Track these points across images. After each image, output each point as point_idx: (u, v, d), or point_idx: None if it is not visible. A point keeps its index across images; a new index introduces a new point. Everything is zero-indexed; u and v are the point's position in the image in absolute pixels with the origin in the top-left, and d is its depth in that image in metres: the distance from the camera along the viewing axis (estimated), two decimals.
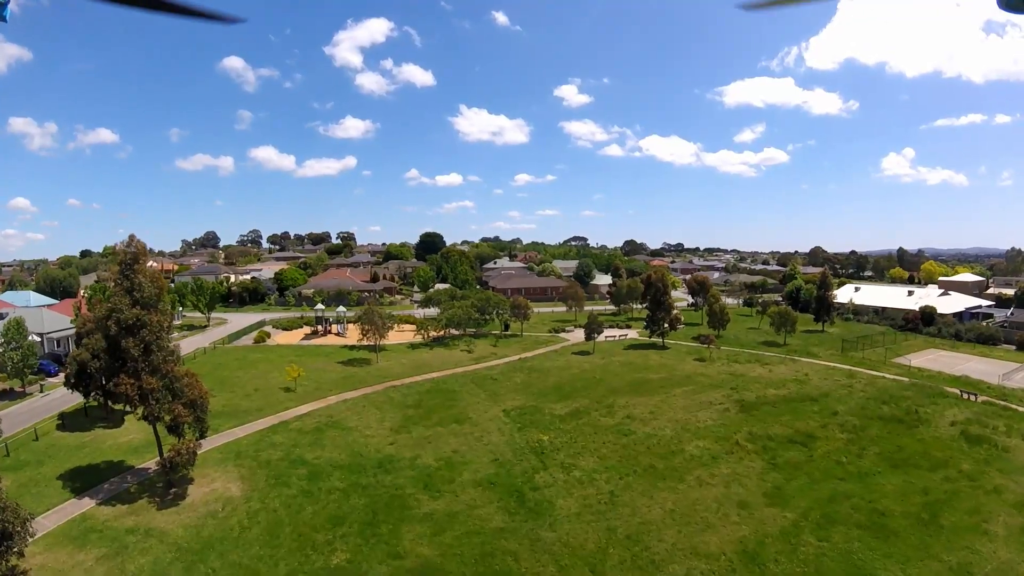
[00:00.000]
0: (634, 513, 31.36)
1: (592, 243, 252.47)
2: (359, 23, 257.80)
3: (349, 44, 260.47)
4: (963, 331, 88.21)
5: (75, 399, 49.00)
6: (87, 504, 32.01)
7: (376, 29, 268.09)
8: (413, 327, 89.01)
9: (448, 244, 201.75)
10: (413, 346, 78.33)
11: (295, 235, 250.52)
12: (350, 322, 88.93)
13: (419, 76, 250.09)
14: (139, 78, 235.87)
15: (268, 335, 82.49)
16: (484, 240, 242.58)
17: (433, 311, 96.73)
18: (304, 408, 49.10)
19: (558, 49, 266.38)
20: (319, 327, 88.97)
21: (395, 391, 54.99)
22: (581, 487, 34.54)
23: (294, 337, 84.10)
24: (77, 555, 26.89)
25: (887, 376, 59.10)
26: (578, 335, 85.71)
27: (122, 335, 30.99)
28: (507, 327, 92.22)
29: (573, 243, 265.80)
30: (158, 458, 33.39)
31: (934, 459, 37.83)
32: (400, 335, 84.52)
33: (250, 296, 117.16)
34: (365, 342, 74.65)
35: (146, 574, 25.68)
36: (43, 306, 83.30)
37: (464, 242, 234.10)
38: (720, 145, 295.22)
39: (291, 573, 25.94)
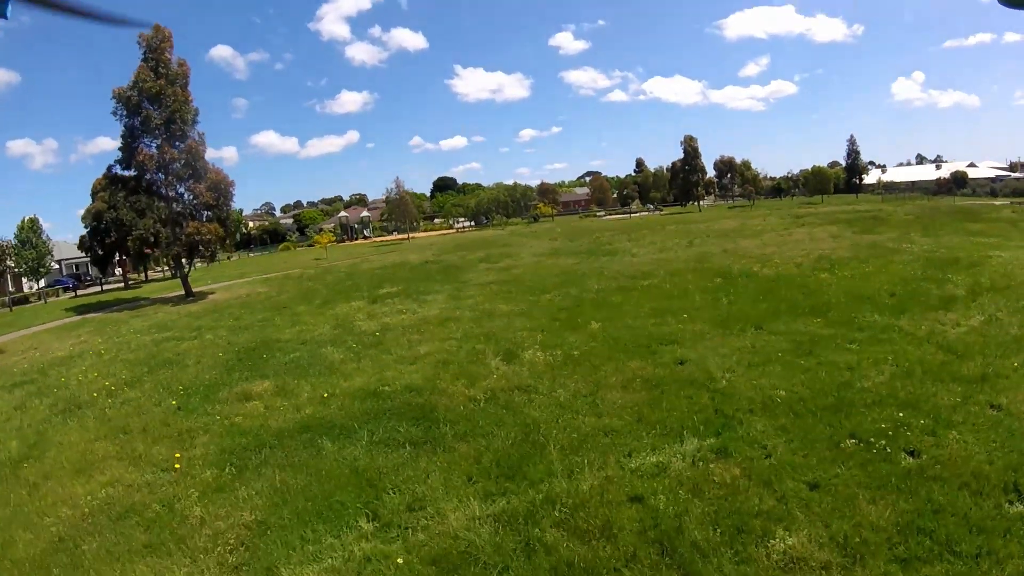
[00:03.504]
0: (722, 246, 27.78)
1: (606, 175, 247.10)
2: None
3: (334, 15, 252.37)
4: (998, 189, 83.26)
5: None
6: (91, 315, 28.86)
7: None
8: (440, 230, 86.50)
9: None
10: (443, 236, 75.26)
11: (308, 202, 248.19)
12: (377, 235, 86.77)
13: (410, 40, 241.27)
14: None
15: (293, 247, 79.96)
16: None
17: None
18: (337, 263, 46.08)
19: None
20: (344, 236, 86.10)
21: (432, 245, 51.94)
22: (653, 245, 31.06)
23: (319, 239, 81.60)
24: (66, 333, 23.64)
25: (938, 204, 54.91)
26: (610, 217, 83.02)
27: (143, 106, 28.02)
28: (536, 219, 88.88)
29: (587, 179, 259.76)
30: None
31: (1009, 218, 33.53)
32: (428, 234, 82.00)
33: (270, 237, 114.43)
34: (395, 238, 72.26)
35: (143, 328, 21.76)
36: None
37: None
38: (726, 81, 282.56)
39: (328, 302, 22.12)
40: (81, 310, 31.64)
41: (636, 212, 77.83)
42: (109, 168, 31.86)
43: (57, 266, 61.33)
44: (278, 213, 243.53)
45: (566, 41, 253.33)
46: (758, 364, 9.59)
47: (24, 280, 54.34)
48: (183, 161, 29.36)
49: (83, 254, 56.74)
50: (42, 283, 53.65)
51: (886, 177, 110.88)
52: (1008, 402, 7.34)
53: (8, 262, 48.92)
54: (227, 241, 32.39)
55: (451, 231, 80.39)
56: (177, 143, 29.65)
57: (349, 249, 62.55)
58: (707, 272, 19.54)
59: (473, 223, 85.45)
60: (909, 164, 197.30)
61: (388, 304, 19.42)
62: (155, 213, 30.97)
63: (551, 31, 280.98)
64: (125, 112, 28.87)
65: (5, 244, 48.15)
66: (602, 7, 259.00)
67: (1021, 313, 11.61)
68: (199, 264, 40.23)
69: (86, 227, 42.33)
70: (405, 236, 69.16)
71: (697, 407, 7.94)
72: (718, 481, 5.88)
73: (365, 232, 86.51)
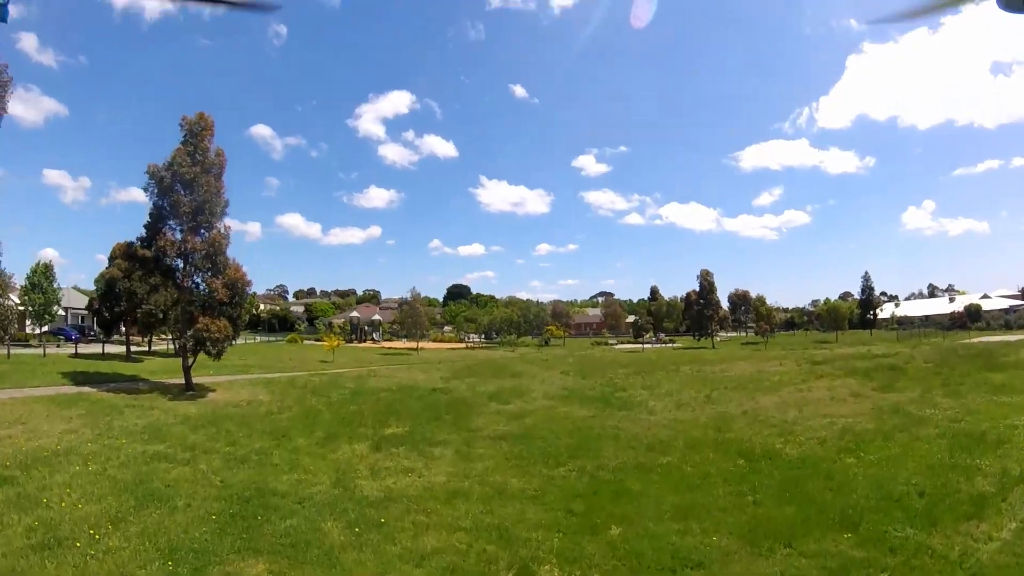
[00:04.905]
0: (741, 405, 27.07)
1: (618, 297, 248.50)
2: (382, 95, 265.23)
3: (372, 115, 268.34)
4: (1013, 320, 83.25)
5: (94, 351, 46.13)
6: (87, 389, 27.84)
7: (399, 101, 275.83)
8: (450, 343, 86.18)
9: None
10: (452, 351, 74.85)
11: (321, 291, 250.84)
12: (386, 339, 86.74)
13: (441, 147, 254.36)
14: (173, 140, 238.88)
15: (299, 339, 79.79)
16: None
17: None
18: (343, 369, 45.58)
19: (574, 119, 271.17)
20: (353, 336, 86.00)
21: (442, 363, 51.41)
22: (670, 396, 30.32)
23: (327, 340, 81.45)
24: (58, 410, 22.51)
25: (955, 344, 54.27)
26: (623, 347, 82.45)
27: (175, 189, 28.85)
28: (547, 342, 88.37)
29: (599, 298, 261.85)
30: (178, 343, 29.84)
31: None
32: (437, 345, 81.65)
33: (279, 323, 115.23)
34: (404, 345, 71.96)
35: (136, 429, 20.72)
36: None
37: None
38: (740, 210, 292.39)
39: (330, 437, 21.30)
40: (78, 379, 30.71)
41: (649, 344, 77.49)
42: (129, 245, 32.59)
43: (63, 313, 61.35)
44: (291, 297, 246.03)
45: (588, 163, 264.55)
46: None
47: (28, 322, 54.18)
48: (204, 252, 29.77)
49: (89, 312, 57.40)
50: (44, 328, 53.45)
51: (900, 311, 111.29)
52: None
53: (13, 298, 48.40)
54: (234, 339, 32.17)
55: (461, 345, 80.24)
56: (202, 231, 30.18)
57: (357, 353, 62.19)
58: (728, 448, 18.70)
59: (484, 337, 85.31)
60: (922, 295, 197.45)
61: (393, 457, 18.51)
62: (167, 294, 31.04)
63: (574, 153, 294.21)
64: (156, 191, 29.55)
65: (13, 294, 47.75)
66: (624, 135, 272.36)
67: None
68: None
69: (97, 289, 42.77)
70: (414, 345, 68.76)
71: None
72: None
73: (374, 336, 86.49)
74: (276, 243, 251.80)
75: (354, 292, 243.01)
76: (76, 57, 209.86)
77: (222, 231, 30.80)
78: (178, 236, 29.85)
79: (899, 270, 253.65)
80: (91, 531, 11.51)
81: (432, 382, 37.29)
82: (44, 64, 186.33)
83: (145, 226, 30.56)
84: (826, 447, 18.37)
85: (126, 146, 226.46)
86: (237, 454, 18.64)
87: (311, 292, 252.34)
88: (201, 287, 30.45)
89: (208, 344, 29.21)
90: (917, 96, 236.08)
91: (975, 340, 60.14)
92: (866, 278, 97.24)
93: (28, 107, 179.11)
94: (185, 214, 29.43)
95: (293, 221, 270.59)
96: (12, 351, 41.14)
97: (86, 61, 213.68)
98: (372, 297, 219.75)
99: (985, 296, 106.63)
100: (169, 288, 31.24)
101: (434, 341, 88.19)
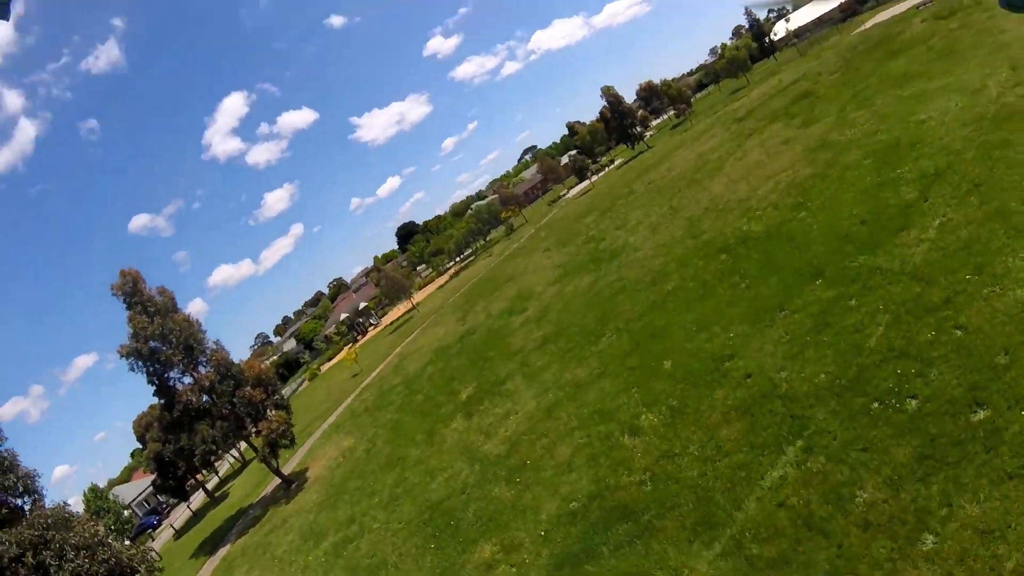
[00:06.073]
0: (699, 201, 29.92)
1: (542, 145, 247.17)
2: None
3: (219, 136, 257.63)
4: None
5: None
6: (222, 552, 29.67)
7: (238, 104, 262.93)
8: (435, 281, 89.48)
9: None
10: (442, 287, 78.19)
11: (294, 312, 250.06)
12: (382, 315, 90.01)
13: (300, 118, 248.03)
14: None
15: (318, 372, 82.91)
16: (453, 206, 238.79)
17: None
18: (376, 371, 47.87)
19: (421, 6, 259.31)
20: (357, 335, 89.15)
21: (444, 308, 54.54)
22: (642, 224, 32.96)
23: (343, 355, 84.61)
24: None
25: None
26: (574, 192, 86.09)
27: (156, 349, 29.75)
28: (512, 229, 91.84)
29: (527, 157, 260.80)
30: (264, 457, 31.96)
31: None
32: (427, 290, 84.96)
33: (288, 371, 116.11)
34: (402, 311, 75.17)
35: (292, 537, 23.10)
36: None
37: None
38: (602, 2, 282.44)
39: (429, 436, 23.73)
40: (206, 548, 32.13)
41: (595, 176, 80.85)
42: (153, 421, 33.62)
43: (127, 512, 63.77)
44: (274, 339, 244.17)
45: (439, 44, 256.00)
46: (796, 354, 12.43)
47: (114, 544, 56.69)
48: (218, 378, 30.72)
49: (150, 488, 60.09)
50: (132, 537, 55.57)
51: (792, 25, 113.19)
52: (967, 319, 10.32)
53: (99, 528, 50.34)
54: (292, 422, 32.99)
55: (445, 277, 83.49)
56: (202, 360, 30.95)
57: (371, 348, 64.98)
58: (709, 250, 21.81)
59: (460, 259, 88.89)
60: None
61: (484, 412, 21.43)
62: (215, 431, 32.62)
63: (421, 42, 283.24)
64: (142, 363, 29.78)
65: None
66: None
67: (962, 203, 13.81)
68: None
69: (151, 471, 45.46)
70: (411, 305, 71.90)
71: (778, 417, 11.12)
72: (815, 470, 9.35)
73: (371, 320, 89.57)
74: (225, 303, 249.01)
75: (322, 294, 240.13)
76: None
77: (215, 347, 31.62)
78: (189, 382, 30.80)
79: None
80: None
81: (454, 331, 40.37)
82: None
83: (156, 394, 31.37)
84: (781, 210, 21.06)
85: None
86: (401, 517, 18.78)
87: (287, 320, 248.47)
88: (238, 404, 31.12)
89: (281, 440, 30.92)
90: None
91: (870, 24, 59.27)
92: (748, 14, 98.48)
93: None
94: (180, 361, 30.15)
95: (224, 274, 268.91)
96: None
97: None
98: (339, 286, 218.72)
99: None
100: (219, 425, 32.45)
101: (421, 288, 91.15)
